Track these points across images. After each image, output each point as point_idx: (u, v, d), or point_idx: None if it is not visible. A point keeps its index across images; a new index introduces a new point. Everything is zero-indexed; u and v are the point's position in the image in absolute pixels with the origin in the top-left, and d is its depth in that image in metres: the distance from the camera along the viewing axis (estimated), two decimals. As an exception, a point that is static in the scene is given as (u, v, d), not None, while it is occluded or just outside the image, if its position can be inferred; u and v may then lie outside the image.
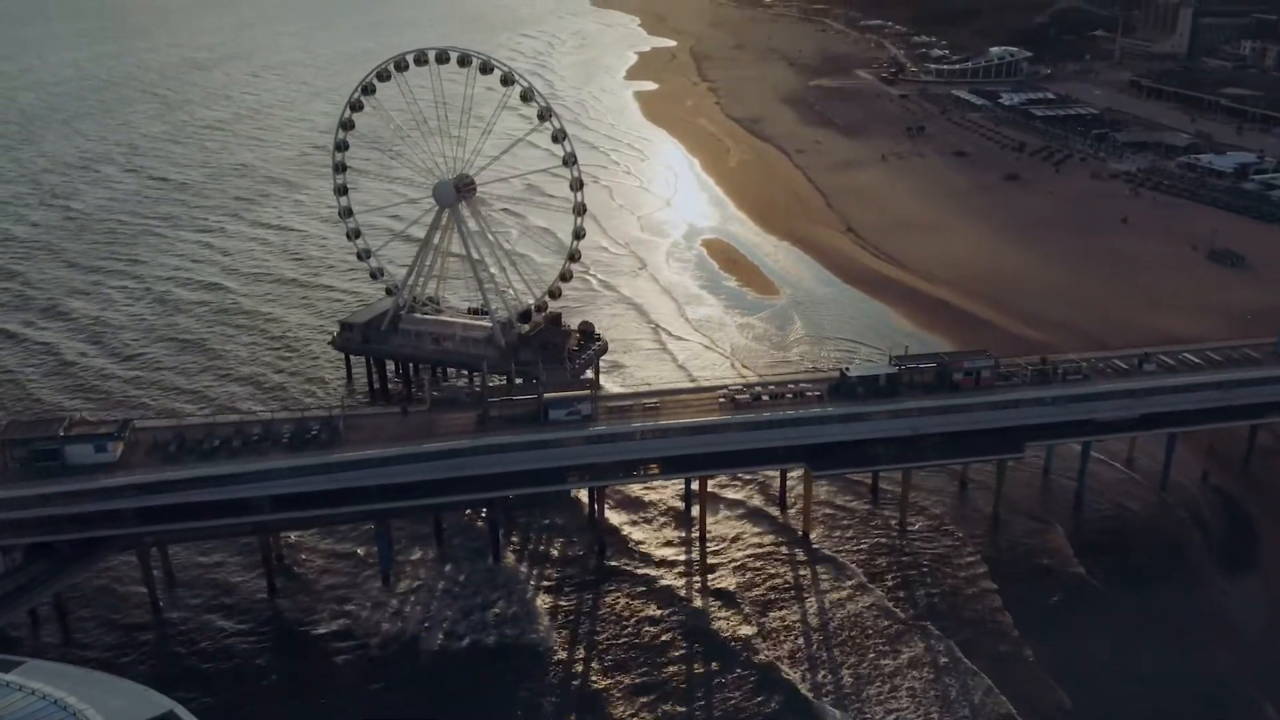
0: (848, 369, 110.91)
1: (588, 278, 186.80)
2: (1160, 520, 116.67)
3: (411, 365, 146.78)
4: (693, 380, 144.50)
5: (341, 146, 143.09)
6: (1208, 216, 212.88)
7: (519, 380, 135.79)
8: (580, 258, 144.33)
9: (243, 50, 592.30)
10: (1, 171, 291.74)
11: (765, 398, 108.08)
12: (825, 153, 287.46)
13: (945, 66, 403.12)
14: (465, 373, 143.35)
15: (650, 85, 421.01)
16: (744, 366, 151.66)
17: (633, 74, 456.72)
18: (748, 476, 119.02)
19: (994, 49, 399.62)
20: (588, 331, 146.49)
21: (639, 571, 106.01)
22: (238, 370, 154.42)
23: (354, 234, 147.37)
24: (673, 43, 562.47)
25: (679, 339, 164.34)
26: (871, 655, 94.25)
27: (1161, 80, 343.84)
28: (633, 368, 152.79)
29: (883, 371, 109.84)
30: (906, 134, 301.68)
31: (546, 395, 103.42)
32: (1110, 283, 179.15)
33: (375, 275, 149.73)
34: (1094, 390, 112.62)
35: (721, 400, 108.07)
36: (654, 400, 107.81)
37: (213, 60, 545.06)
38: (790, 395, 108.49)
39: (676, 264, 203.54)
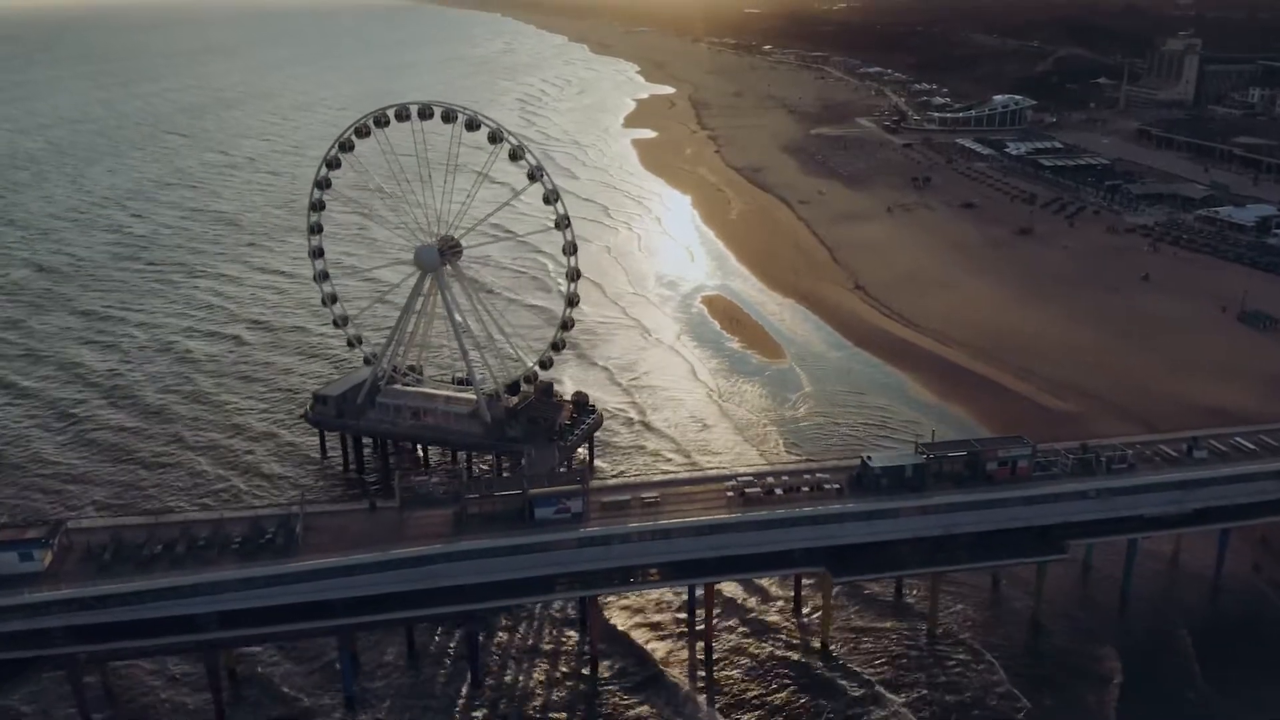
0: (870, 457, 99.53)
1: (574, 341, 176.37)
2: (1216, 623, 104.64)
3: (390, 442, 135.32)
4: (694, 463, 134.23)
5: (318, 206, 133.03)
6: (1233, 273, 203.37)
7: (505, 461, 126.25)
8: (573, 325, 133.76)
9: (265, 91, 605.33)
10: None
11: (778, 490, 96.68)
12: (829, 204, 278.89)
13: (948, 115, 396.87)
14: (448, 451, 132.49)
15: (649, 133, 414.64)
16: (748, 443, 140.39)
17: (631, 121, 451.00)
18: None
19: (997, 97, 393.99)
20: (581, 403, 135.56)
21: (636, 690, 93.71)
22: (197, 445, 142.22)
23: (330, 299, 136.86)
24: (671, 90, 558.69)
25: (677, 411, 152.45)
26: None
27: (1171, 129, 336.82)
28: (623, 442, 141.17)
29: (909, 461, 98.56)
30: (912, 184, 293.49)
31: (532, 491, 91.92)
32: (1137, 347, 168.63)
33: (352, 343, 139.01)
34: (1142, 482, 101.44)
35: (729, 494, 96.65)
36: (653, 494, 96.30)
37: (238, 99, 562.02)
38: (806, 488, 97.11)
39: (675, 324, 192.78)
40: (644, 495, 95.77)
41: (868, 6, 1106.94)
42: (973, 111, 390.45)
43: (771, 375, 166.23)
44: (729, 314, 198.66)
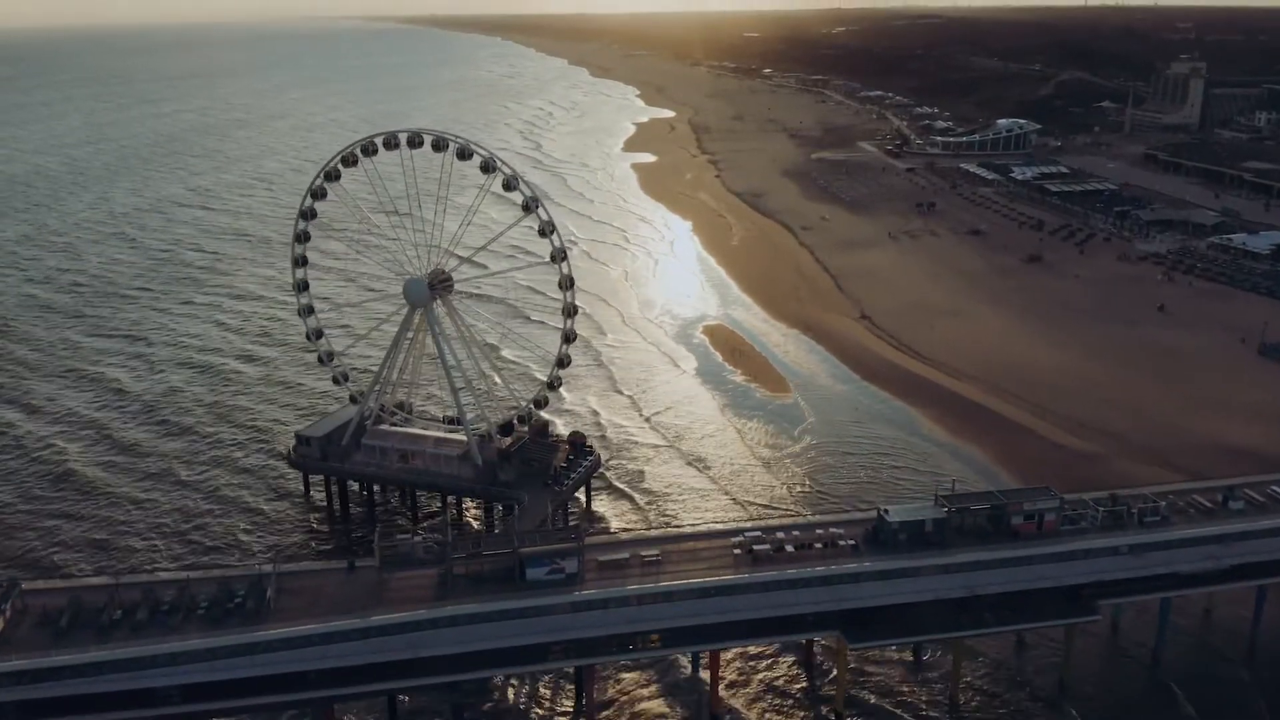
0: (887, 510, 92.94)
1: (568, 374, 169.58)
2: (1257, 686, 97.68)
3: (377, 486, 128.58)
4: (693, 506, 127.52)
5: (302, 238, 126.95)
6: (1250, 304, 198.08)
7: (497, 508, 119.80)
8: (570, 363, 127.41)
9: (273, 112, 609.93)
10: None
11: (789, 547, 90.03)
12: (832, 230, 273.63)
13: (952, 139, 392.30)
14: (438, 496, 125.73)
15: (649, 157, 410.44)
16: (751, 487, 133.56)
17: (631, 145, 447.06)
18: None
19: (1001, 121, 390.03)
20: (578, 443, 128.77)
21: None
22: (180, 483, 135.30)
23: (315, 334, 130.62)
24: (671, 113, 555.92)
25: (675, 458, 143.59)
26: None
27: (1179, 153, 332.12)
28: (621, 490, 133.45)
29: (929, 515, 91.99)
30: (916, 210, 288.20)
31: (523, 550, 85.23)
32: (1156, 381, 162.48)
33: (338, 381, 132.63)
34: (1176, 537, 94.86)
35: (736, 551, 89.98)
36: (654, 551, 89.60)
37: (249, 120, 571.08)
38: (819, 544, 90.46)
39: (675, 355, 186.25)
40: (644, 553, 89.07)
41: (866, 30, 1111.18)
42: (976, 136, 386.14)
43: (776, 411, 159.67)
44: (731, 345, 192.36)
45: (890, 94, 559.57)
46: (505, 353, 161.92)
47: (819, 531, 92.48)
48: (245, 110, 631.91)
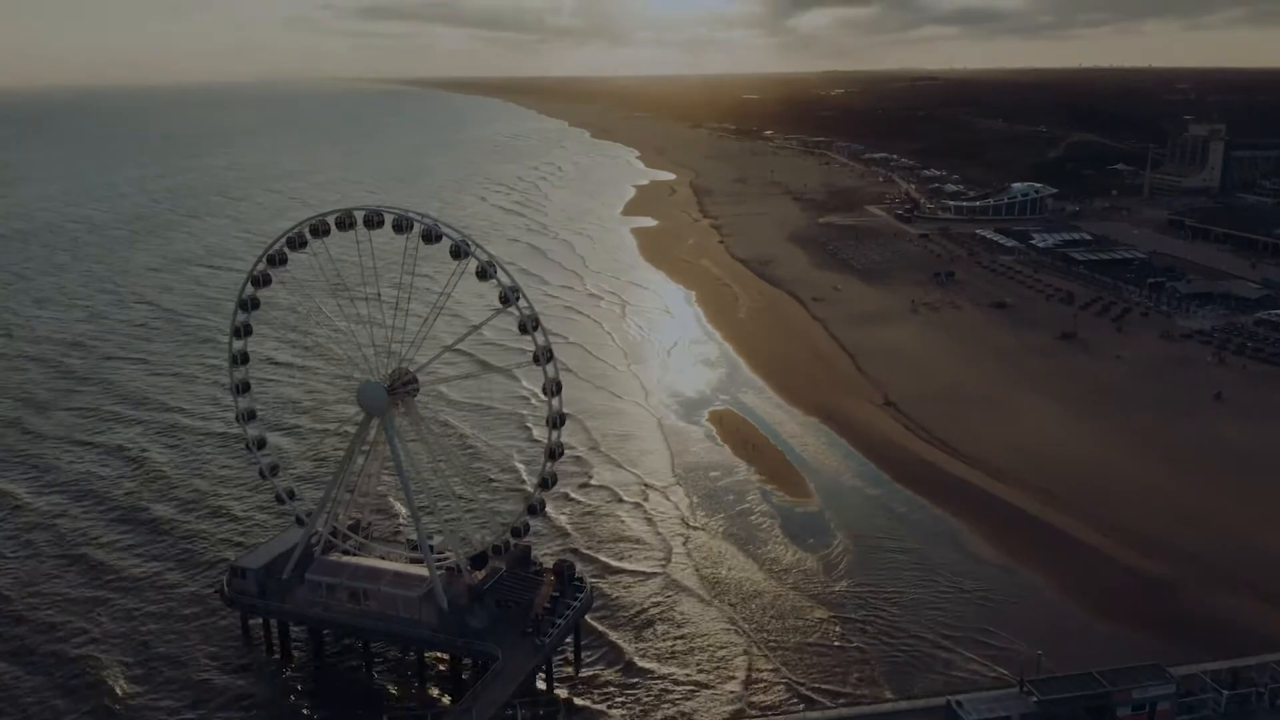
0: (959, 703, 72.21)
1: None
2: None
3: (326, 630, 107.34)
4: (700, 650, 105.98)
5: (242, 331, 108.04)
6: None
7: (466, 664, 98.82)
8: (556, 483, 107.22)
9: (290, 171, 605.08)
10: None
11: (833, 755, 69.20)
12: (845, 301, 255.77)
13: (965, 203, 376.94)
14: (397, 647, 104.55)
15: (649, 221, 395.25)
16: (776, 631, 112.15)
17: (630, 209, 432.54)
18: None
19: (1016, 185, 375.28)
20: (565, 574, 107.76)
21: None
22: (75, 633, 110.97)
23: (257, 444, 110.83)
24: (672, 175, 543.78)
25: (678, 586, 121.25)
26: None
27: (1207, 220, 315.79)
28: (615, 639, 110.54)
29: (1015, 710, 71.27)
30: (934, 280, 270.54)
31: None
32: (1228, 489, 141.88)
33: (282, 499, 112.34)
34: (1325, 727, 74.10)
35: (766, 761, 69.13)
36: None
37: (274, 176, 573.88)
38: (873, 751, 69.68)
39: (675, 448, 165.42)
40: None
41: (865, 92, 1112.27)
42: (990, 200, 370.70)
43: (798, 522, 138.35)
44: (742, 435, 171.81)
45: (895, 156, 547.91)
46: (479, 469, 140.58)
47: (873, 730, 71.75)
48: (267, 168, 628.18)
